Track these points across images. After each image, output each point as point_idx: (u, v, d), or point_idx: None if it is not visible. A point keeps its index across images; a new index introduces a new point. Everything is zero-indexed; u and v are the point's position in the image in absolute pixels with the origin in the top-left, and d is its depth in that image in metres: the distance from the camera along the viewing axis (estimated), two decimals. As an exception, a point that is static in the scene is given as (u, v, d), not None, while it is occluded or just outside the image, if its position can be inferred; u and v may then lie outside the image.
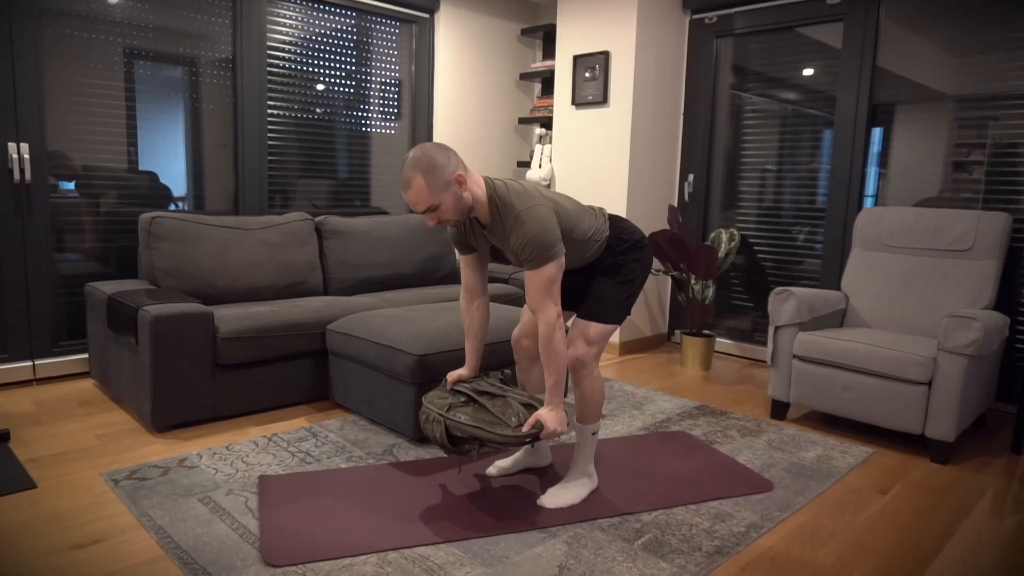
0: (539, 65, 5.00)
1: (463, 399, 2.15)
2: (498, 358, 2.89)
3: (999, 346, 3.02)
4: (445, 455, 2.37)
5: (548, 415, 2.01)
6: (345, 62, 4.24)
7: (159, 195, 3.66)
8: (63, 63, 3.28)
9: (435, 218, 2.02)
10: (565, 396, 3.26)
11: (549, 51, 5.09)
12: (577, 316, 2.19)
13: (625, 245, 2.20)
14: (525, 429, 1.99)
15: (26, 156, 3.20)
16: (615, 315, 2.17)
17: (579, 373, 2.17)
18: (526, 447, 2.48)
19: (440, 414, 2.08)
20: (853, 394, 2.91)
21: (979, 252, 3.16)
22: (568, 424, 2.04)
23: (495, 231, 2.07)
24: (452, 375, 2.25)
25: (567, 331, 2.31)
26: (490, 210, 2.04)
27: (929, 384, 2.74)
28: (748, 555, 2.00)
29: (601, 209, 2.25)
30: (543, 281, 2.00)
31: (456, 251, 2.24)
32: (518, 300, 3.84)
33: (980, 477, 2.63)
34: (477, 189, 2.03)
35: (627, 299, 2.20)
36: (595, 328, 2.15)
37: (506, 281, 4.08)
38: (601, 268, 2.20)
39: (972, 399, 2.81)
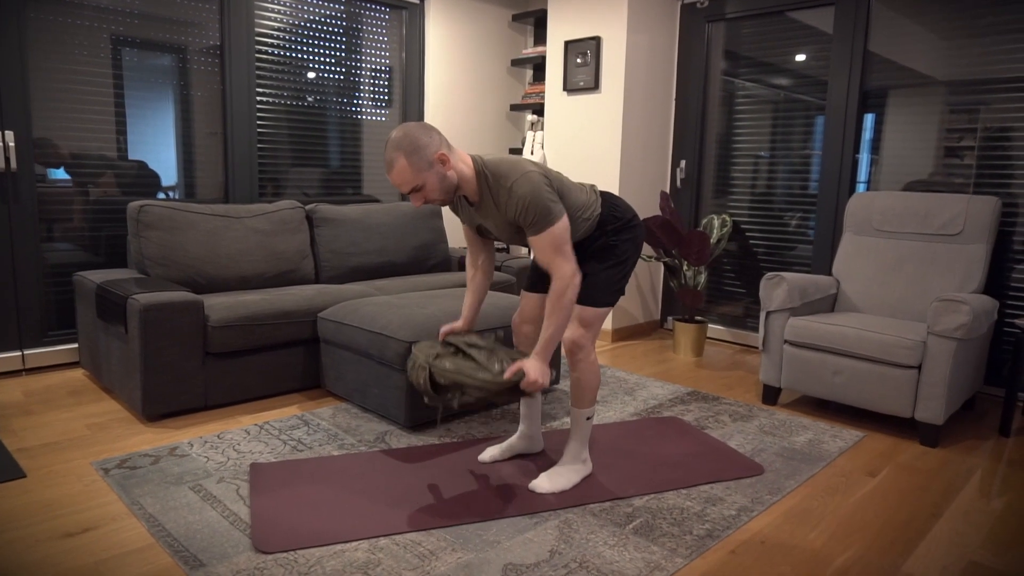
0: (530, 51, 4.97)
1: (452, 350, 2.13)
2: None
3: (988, 330, 3.04)
4: (428, 404, 2.30)
5: (532, 364, 1.99)
6: (335, 49, 4.20)
7: (148, 183, 3.63)
8: (48, 50, 3.24)
9: (421, 198, 2.01)
10: (559, 382, 3.28)
11: (540, 37, 5.06)
12: None
13: (617, 223, 2.19)
14: (507, 375, 1.97)
15: (11, 144, 3.16)
16: (609, 297, 2.16)
17: (575, 356, 2.17)
18: (519, 432, 2.48)
19: (426, 361, 2.06)
20: (843, 378, 2.93)
21: (969, 236, 3.17)
22: (551, 380, 2.03)
23: (484, 207, 2.07)
24: (445, 328, 2.26)
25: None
26: (479, 186, 2.04)
27: (919, 368, 2.75)
28: (738, 538, 2.01)
29: (593, 186, 2.24)
30: (552, 241, 1.99)
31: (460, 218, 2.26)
32: (512, 288, 3.84)
33: (968, 459, 2.65)
34: (463, 166, 2.03)
35: (620, 280, 2.20)
36: (590, 311, 2.15)
37: (499, 268, 4.07)
38: (593, 249, 2.19)
39: (961, 382, 2.83)
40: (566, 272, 2.00)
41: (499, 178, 2.00)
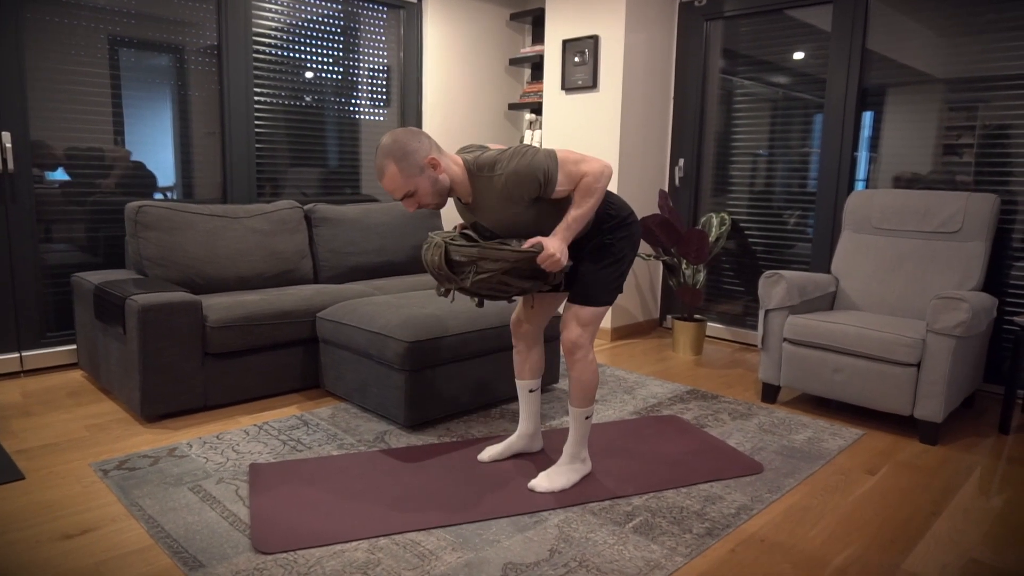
0: (528, 50, 4.97)
1: (470, 240, 2.12)
2: (489, 344, 2.89)
3: (987, 327, 3.04)
4: (440, 289, 2.17)
5: (551, 240, 1.99)
6: (333, 49, 4.20)
7: (146, 184, 3.62)
8: (45, 50, 3.24)
9: (414, 203, 2.02)
10: (557, 382, 3.28)
11: (538, 36, 5.06)
12: (568, 300, 2.19)
13: (613, 221, 2.18)
14: (525, 246, 1.97)
15: (8, 145, 3.16)
16: (606, 296, 2.16)
17: (574, 355, 2.17)
18: (519, 432, 2.48)
19: (442, 239, 2.04)
20: (843, 376, 2.93)
21: (967, 234, 3.17)
22: (568, 263, 2.03)
23: (478, 203, 2.07)
24: (462, 223, 2.26)
25: (559, 314, 2.30)
26: (472, 185, 2.04)
27: (918, 366, 2.75)
28: (738, 536, 2.01)
29: None
30: (568, 169, 1.99)
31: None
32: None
33: (968, 457, 2.65)
34: (455, 168, 2.03)
35: (618, 279, 2.19)
36: (587, 310, 2.14)
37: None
38: (589, 248, 2.19)
39: (960, 380, 2.83)
40: (596, 168, 2.00)
41: (490, 167, 2.01)
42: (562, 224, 2.02)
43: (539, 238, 2.00)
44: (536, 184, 1.97)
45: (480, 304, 2.16)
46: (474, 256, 1.98)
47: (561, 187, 2.01)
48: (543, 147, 2.16)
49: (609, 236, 2.18)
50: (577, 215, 2.01)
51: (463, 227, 2.23)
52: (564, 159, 2.00)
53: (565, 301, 2.24)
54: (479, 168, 2.03)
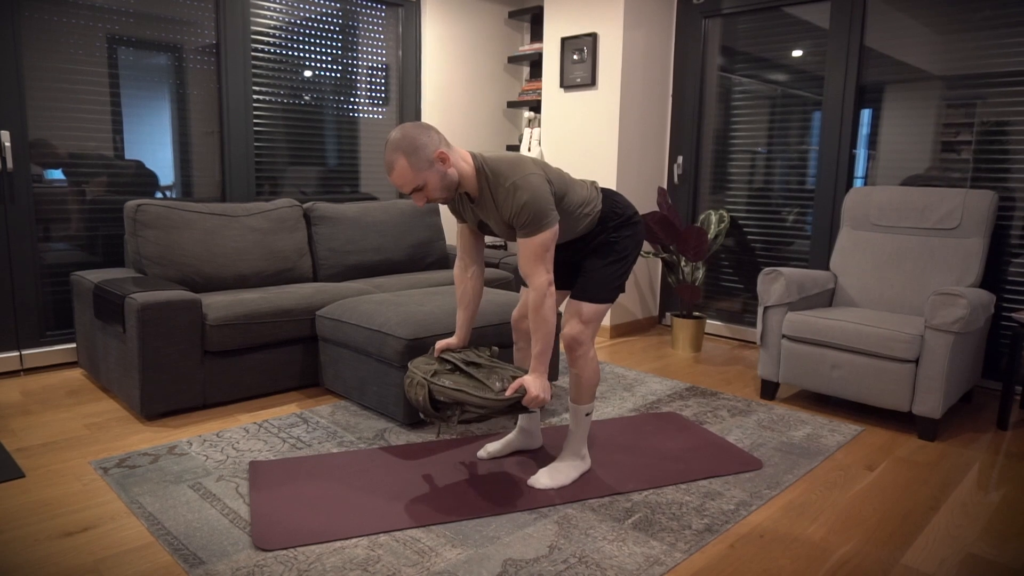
0: (527, 48, 4.97)
1: (449, 367, 2.13)
2: (488, 342, 2.89)
3: (985, 323, 3.04)
4: (427, 421, 2.29)
5: (532, 380, 2.00)
6: (331, 47, 4.20)
7: (145, 183, 3.62)
8: (44, 49, 3.24)
9: (423, 197, 2.01)
10: (557, 379, 3.28)
11: (537, 34, 5.05)
12: (571, 296, 2.19)
13: (618, 220, 2.19)
14: (508, 393, 1.98)
15: (7, 144, 3.16)
16: (608, 294, 2.17)
17: (575, 352, 2.17)
18: (518, 428, 2.48)
19: (424, 378, 2.05)
20: (842, 373, 2.93)
21: (965, 230, 3.17)
22: (551, 395, 2.04)
23: (483, 204, 2.07)
24: (440, 344, 2.25)
25: (561, 313, 2.30)
26: (479, 183, 2.04)
27: (916, 362, 2.76)
28: (737, 532, 2.02)
29: (594, 183, 2.25)
30: (537, 247, 2.00)
31: (455, 218, 2.25)
32: (509, 285, 3.84)
33: (966, 452, 2.65)
34: (464, 164, 2.03)
35: (620, 277, 2.20)
36: (589, 308, 2.15)
37: (496, 266, 4.08)
38: (594, 246, 2.19)
39: (959, 376, 2.83)
40: (542, 282, 2.01)
41: (499, 176, 2.00)
42: (534, 363, 2.03)
43: (521, 380, 2.00)
44: (518, 218, 1.98)
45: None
46: (457, 399, 1.99)
47: (521, 245, 2.02)
48: (569, 178, 2.16)
49: (614, 234, 2.18)
50: (542, 349, 2.03)
51: (443, 349, 2.23)
52: (544, 240, 1.99)
53: (567, 298, 2.25)
54: (486, 169, 2.02)
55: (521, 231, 2.01)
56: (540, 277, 2.01)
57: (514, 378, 2.05)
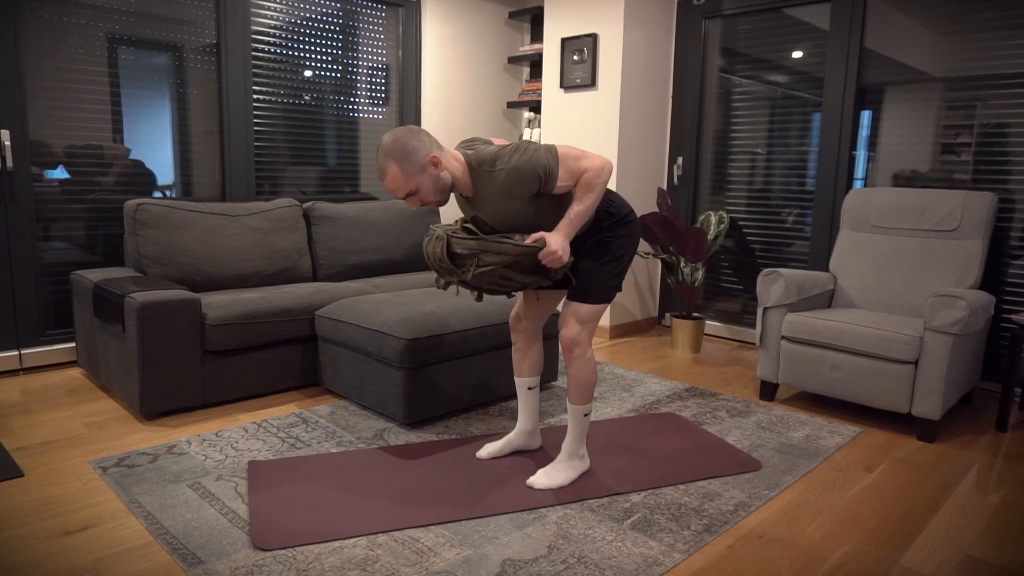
0: (527, 48, 4.97)
1: (471, 232, 2.11)
2: (488, 342, 2.89)
3: (985, 325, 3.05)
4: (440, 281, 2.16)
5: (553, 236, 1.99)
6: (332, 47, 4.20)
7: (145, 182, 3.62)
8: (45, 48, 3.24)
9: (417, 201, 2.02)
10: (556, 380, 3.28)
11: (537, 34, 5.06)
12: (567, 297, 2.19)
13: (613, 219, 2.19)
14: (528, 241, 1.97)
15: (7, 143, 3.16)
16: (605, 294, 2.17)
17: (572, 353, 2.17)
18: (518, 429, 2.48)
19: (444, 232, 2.03)
20: (841, 374, 2.93)
21: (965, 232, 3.18)
22: (570, 259, 2.04)
23: (479, 198, 2.07)
24: (464, 217, 2.25)
25: (560, 313, 2.30)
26: (472, 179, 2.05)
27: (916, 363, 2.76)
28: (736, 533, 2.02)
29: None
30: (569, 166, 1.99)
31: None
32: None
33: (965, 454, 2.66)
34: (456, 164, 2.03)
35: (616, 276, 2.20)
36: (586, 308, 2.15)
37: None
38: (589, 245, 2.19)
39: (958, 377, 2.84)
40: (596, 164, 2.00)
41: (491, 162, 2.00)
42: (564, 220, 2.02)
43: (542, 233, 2.00)
44: (536, 180, 1.97)
45: (479, 298, 2.15)
46: (476, 249, 1.98)
47: (562, 183, 2.01)
48: (544, 143, 2.15)
49: (608, 234, 2.18)
50: (579, 211, 2.02)
51: (465, 220, 2.21)
52: (564, 155, 2.00)
53: (564, 298, 2.25)
54: (479, 163, 2.03)
55: (549, 184, 1.99)
56: (592, 163, 1.99)
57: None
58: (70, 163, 3.37)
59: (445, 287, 2.13)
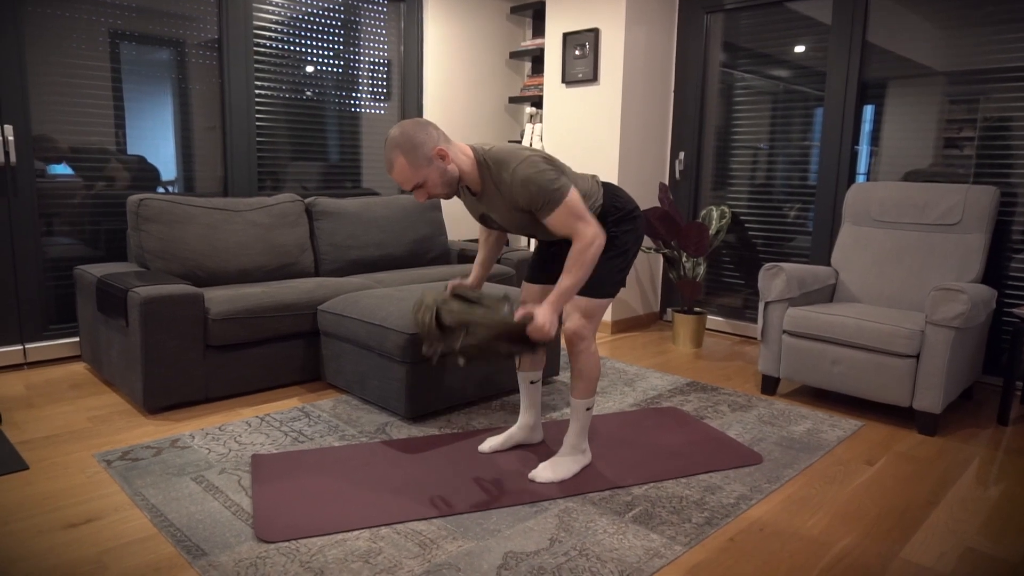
0: (529, 43, 4.96)
1: (461, 299, 2.12)
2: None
3: (986, 319, 3.05)
4: (428, 352, 2.13)
5: (541, 310, 1.99)
6: (333, 42, 4.20)
7: (148, 178, 3.63)
8: (47, 44, 3.24)
9: (424, 194, 2.02)
10: (557, 374, 3.29)
11: (539, 29, 5.05)
12: None
13: (619, 214, 2.19)
14: (516, 318, 1.98)
15: (10, 138, 3.16)
16: (609, 288, 2.17)
17: (576, 347, 2.18)
18: (520, 423, 2.49)
19: (434, 302, 2.04)
20: (842, 368, 2.94)
21: (967, 226, 3.18)
22: (555, 333, 2.04)
23: (487, 196, 2.08)
24: (454, 281, 2.25)
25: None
26: (480, 175, 2.05)
27: (917, 357, 2.76)
28: (737, 526, 2.03)
29: (595, 177, 2.25)
30: (568, 214, 2.00)
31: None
32: (511, 280, 3.84)
33: (966, 448, 2.66)
34: (463, 158, 2.04)
35: (620, 271, 2.20)
36: (590, 302, 2.15)
37: (498, 261, 4.08)
38: None
39: (959, 372, 2.84)
40: (588, 234, 2.00)
41: (500, 165, 2.01)
42: (553, 294, 2.02)
43: (530, 307, 2.00)
44: (533, 201, 1.99)
45: (465, 363, 2.14)
46: (465, 321, 1.98)
47: (552, 223, 2.02)
48: (570, 171, 2.16)
49: (614, 228, 2.19)
50: (567, 286, 2.01)
51: (456, 286, 2.21)
52: (570, 203, 2.00)
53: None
54: (487, 161, 2.03)
55: (543, 211, 2.01)
56: (585, 231, 2.00)
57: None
58: (73, 158, 3.38)
59: (432, 355, 2.11)
